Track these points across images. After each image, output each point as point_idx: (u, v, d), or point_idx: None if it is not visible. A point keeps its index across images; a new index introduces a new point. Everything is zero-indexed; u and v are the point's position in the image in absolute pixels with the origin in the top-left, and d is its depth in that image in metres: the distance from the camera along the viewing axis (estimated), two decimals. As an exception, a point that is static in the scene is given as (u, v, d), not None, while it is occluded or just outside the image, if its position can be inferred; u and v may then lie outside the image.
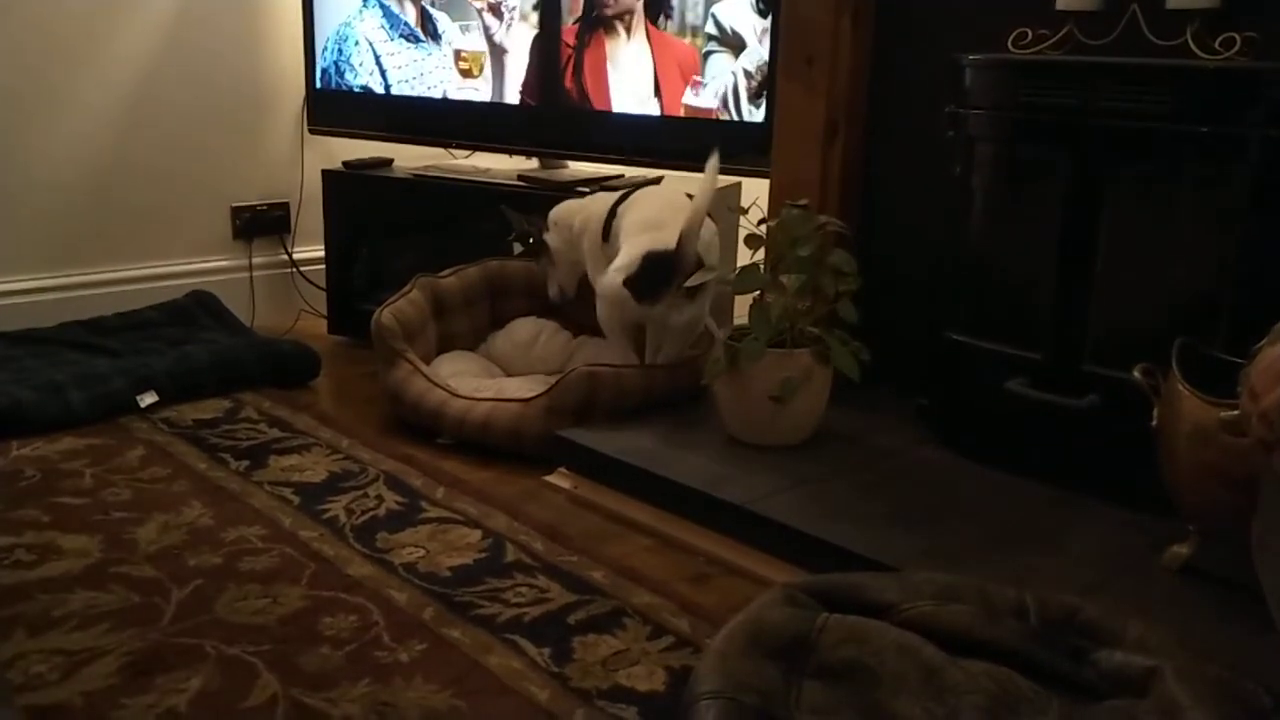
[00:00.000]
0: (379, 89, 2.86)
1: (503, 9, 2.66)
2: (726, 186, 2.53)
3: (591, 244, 2.30)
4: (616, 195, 2.35)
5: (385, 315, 2.31)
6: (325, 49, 2.90)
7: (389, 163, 2.91)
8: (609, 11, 2.54)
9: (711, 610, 1.56)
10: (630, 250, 2.13)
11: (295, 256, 3.13)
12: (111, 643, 1.44)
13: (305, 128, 3.02)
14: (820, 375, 1.95)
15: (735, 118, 2.41)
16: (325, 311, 2.96)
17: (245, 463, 2.06)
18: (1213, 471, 1.44)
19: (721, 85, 2.42)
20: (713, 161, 2.08)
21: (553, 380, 2.14)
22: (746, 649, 1.20)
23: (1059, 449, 1.82)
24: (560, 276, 2.39)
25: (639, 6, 2.51)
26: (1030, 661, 1.23)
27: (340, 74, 2.89)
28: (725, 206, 2.15)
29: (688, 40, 2.45)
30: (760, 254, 2.00)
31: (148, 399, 2.32)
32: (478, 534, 1.79)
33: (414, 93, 2.82)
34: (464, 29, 2.73)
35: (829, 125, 2.16)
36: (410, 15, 2.79)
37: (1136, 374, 1.56)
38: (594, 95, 2.59)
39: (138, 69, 2.83)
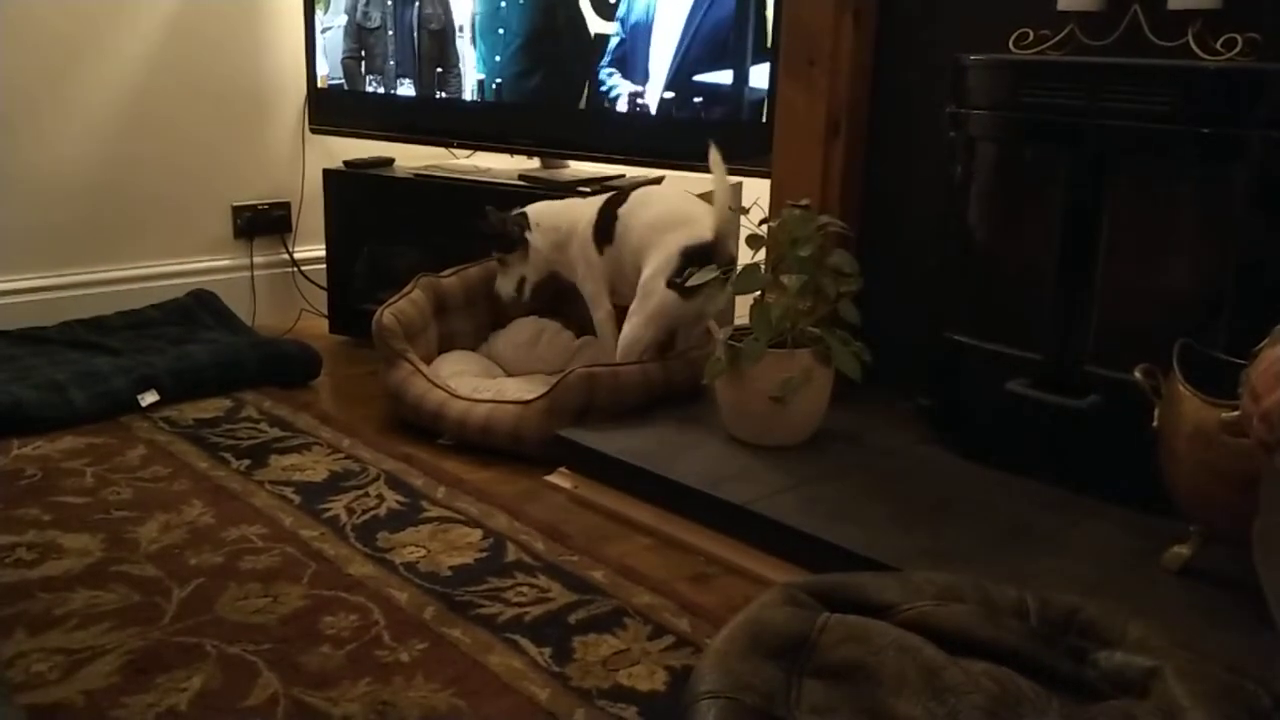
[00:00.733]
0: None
1: None
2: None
3: (583, 248, 2.30)
4: (600, 199, 2.34)
5: (386, 316, 2.31)
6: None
7: (390, 162, 2.91)
8: None
9: (712, 610, 1.56)
10: (664, 251, 2.14)
11: (296, 256, 3.13)
12: (112, 641, 1.44)
13: (306, 127, 3.02)
14: (821, 375, 1.95)
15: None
16: (326, 311, 2.96)
17: (246, 462, 2.07)
18: (1213, 472, 1.44)
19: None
20: (714, 155, 2.10)
21: (553, 381, 2.14)
22: (747, 649, 1.20)
23: (1060, 449, 1.82)
24: (530, 275, 2.38)
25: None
26: (1031, 662, 1.22)
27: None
28: (727, 207, 2.15)
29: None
30: (761, 254, 2.00)
31: (149, 398, 2.32)
32: (478, 533, 1.79)
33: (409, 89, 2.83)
34: None
35: (830, 125, 2.16)
36: None
37: (1137, 375, 1.56)
38: None
39: (139, 69, 2.83)
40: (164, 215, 2.93)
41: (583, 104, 2.60)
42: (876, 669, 1.19)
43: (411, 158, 2.92)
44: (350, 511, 1.87)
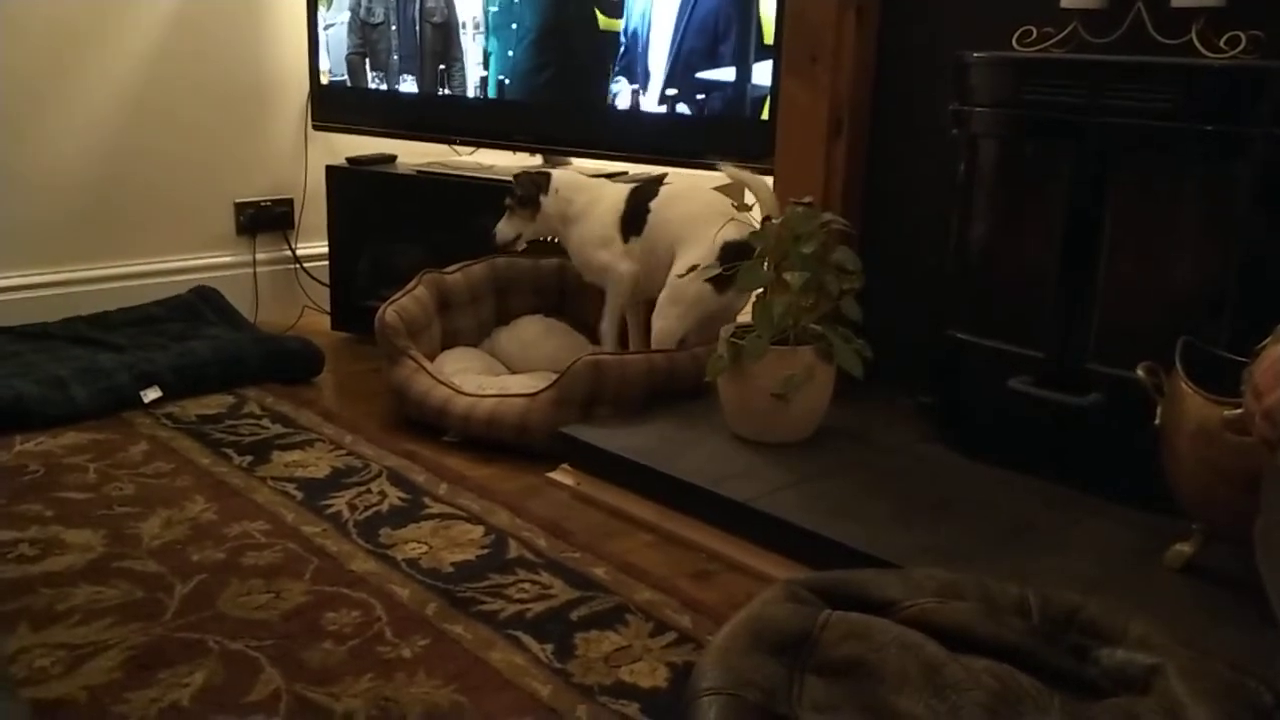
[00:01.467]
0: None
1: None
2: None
3: (602, 231, 2.33)
4: (625, 188, 2.36)
5: (389, 313, 2.31)
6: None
7: (393, 159, 2.91)
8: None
9: (713, 607, 1.56)
10: (703, 244, 2.16)
11: (299, 252, 3.13)
12: (115, 637, 1.44)
13: (309, 124, 3.02)
14: (823, 373, 1.95)
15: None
16: (328, 307, 2.96)
17: (248, 458, 2.07)
18: (1216, 470, 1.44)
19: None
20: (729, 168, 2.14)
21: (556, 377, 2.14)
22: (749, 645, 1.20)
23: (1062, 447, 1.82)
24: (527, 232, 2.43)
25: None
26: (1032, 659, 1.22)
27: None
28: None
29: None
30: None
31: (151, 394, 2.33)
32: (480, 530, 1.79)
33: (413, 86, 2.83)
34: None
35: (833, 123, 2.16)
36: None
37: (1140, 372, 1.56)
38: None
39: (142, 65, 2.83)
40: (167, 211, 2.93)
41: (586, 101, 2.60)
42: (878, 666, 1.19)
43: (414, 154, 2.92)
44: (352, 508, 1.87)
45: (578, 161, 2.76)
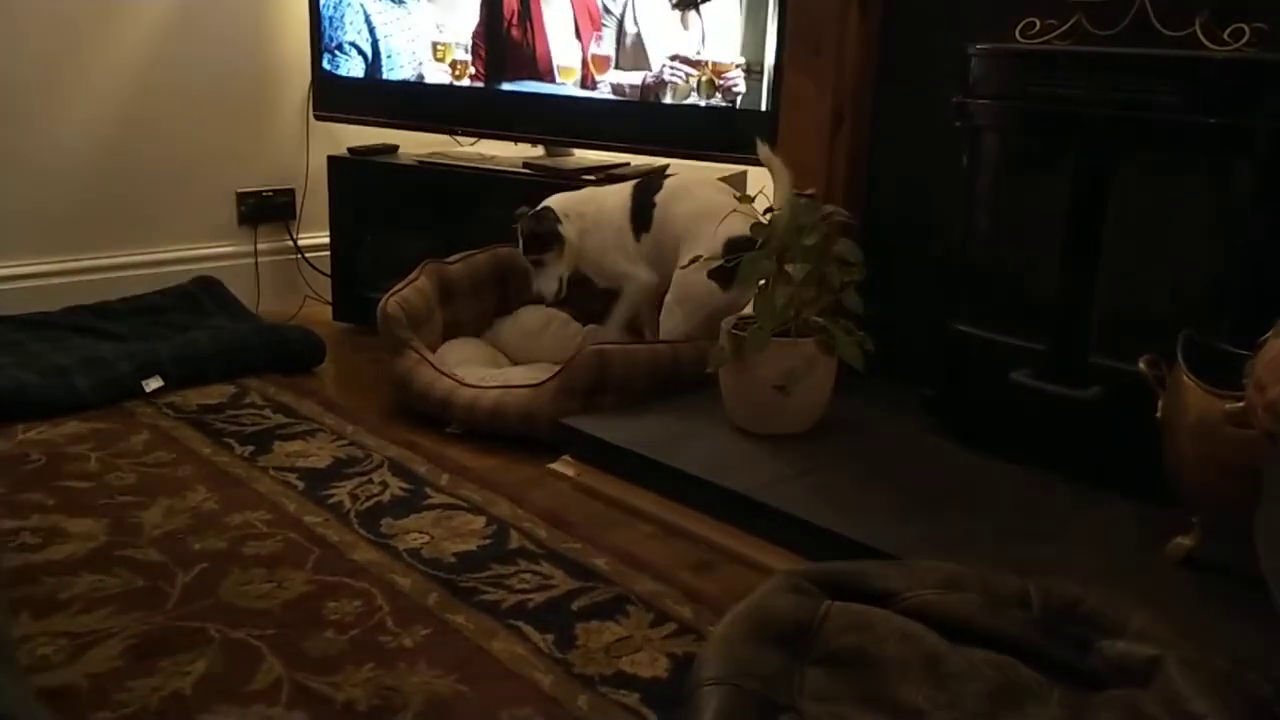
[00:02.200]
0: (365, 46, 2.86)
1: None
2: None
3: (618, 233, 2.32)
4: (626, 186, 2.35)
5: (391, 304, 2.31)
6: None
7: (394, 149, 2.91)
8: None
9: (714, 598, 1.56)
10: (707, 241, 2.15)
11: (300, 243, 3.13)
12: (116, 625, 1.44)
13: (311, 114, 3.02)
14: (825, 365, 1.95)
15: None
16: (330, 298, 2.96)
17: (250, 448, 2.07)
18: (1217, 463, 1.44)
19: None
20: (764, 149, 2.14)
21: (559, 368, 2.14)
22: (750, 636, 1.20)
23: (1063, 440, 1.82)
24: (564, 270, 2.34)
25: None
26: (1033, 650, 1.23)
27: (333, 28, 2.89)
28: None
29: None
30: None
31: (153, 384, 2.33)
32: (482, 520, 1.80)
33: (401, 58, 2.82)
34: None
35: (835, 115, 2.16)
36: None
37: (1141, 365, 1.56)
38: (538, 42, 2.65)
39: (144, 55, 2.83)
40: (168, 201, 2.93)
41: (587, 92, 2.60)
42: (879, 657, 1.20)
43: (416, 145, 2.92)
44: (354, 498, 1.87)
45: (579, 153, 2.76)
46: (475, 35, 2.72)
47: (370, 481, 1.94)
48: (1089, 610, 1.29)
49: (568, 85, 2.63)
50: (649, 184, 2.34)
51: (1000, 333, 1.91)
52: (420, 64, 2.82)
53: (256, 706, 1.29)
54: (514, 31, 2.67)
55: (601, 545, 1.72)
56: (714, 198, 2.24)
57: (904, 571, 1.36)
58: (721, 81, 2.41)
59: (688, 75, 2.45)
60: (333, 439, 2.13)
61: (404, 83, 2.85)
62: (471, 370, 2.29)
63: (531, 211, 2.33)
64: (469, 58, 2.75)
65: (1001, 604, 1.30)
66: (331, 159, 2.87)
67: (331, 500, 1.86)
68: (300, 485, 1.91)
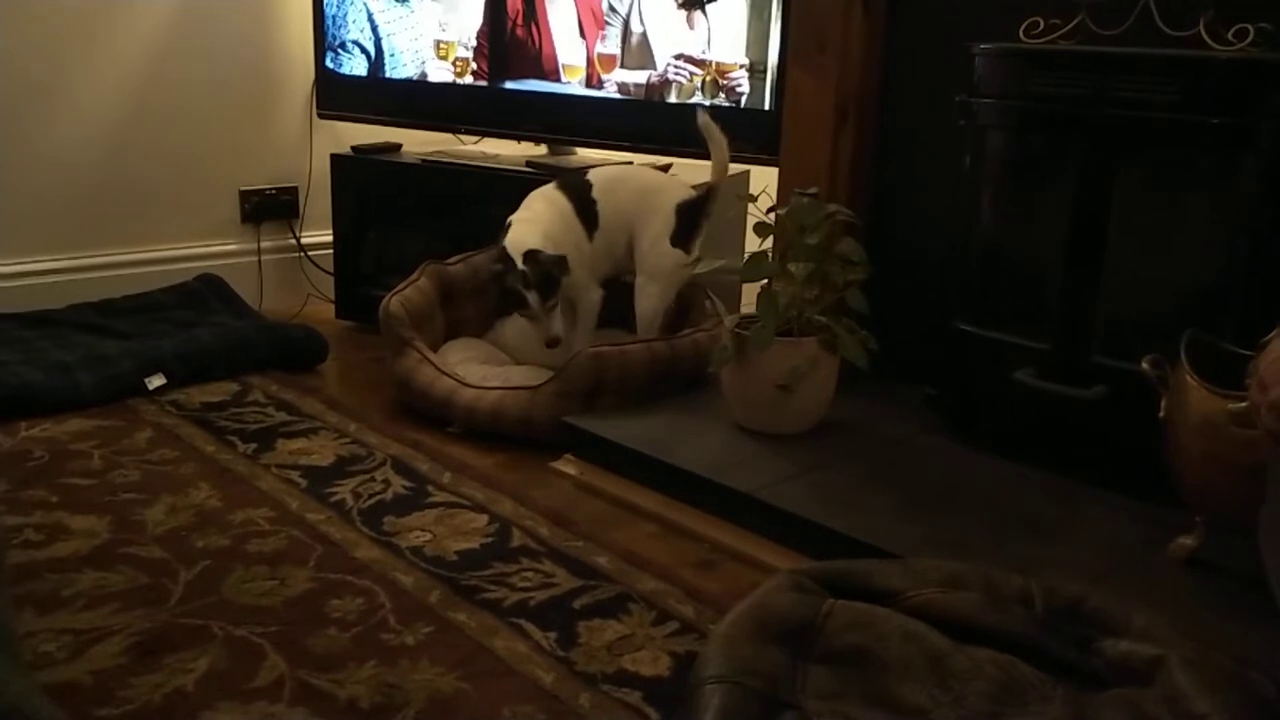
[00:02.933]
0: (369, 44, 2.87)
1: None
2: (734, 174, 2.53)
3: (577, 243, 2.30)
4: (558, 193, 2.31)
5: (393, 303, 2.31)
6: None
7: (398, 148, 2.91)
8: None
9: (717, 596, 1.56)
10: (659, 213, 2.25)
11: (303, 241, 3.13)
12: (119, 623, 1.44)
13: (314, 111, 3.02)
14: (827, 364, 1.95)
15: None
16: (333, 296, 2.96)
17: (253, 445, 2.07)
18: (1220, 463, 1.44)
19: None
20: (704, 117, 2.23)
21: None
22: (752, 634, 1.20)
23: (1066, 439, 1.82)
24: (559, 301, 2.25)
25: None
26: (1035, 649, 1.23)
27: (336, 26, 2.90)
28: (734, 194, 2.15)
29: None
30: (769, 242, 2.00)
31: (156, 381, 2.33)
32: (484, 519, 1.80)
33: (404, 57, 2.82)
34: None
35: (839, 113, 2.16)
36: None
37: (1145, 365, 1.56)
38: (543, 42, 2.66)
39: (147, 52, 2.83)
40: (172, 199, 2.93)
41: (590, 90, 2.60)
42: (881, 655, 1.20)
43: (419, 143, 2.92)
44: (356, 496, 1.87)
45: (583, 152, 2.76)
46: (479, 34, 2.72)
47: (372, 479, 1.94)
48: (1092, 609, 1.29)
49: (573, 84, 2.63)
50: (576, 184, 2.32)
51: (1003, 332, 1.90)
52: (423, 62, 2.83)
53: (259, 704, 1.29)
54: (518, 30, 2.67)
55: (604, 544, 1.72)
56: (649, 176, 2.34)
57: (906, 570, 1.36)
58: (725, 81, 2.41)
59: (692, 75, 2.45)
60: (335, 437, 2.13)
61: (407, 81, 2.86)
62: (472, 370, 2.29)
63: (527, 254, 2.16)
64: (471, 56, 2.75)
65: (1004, 603, 1.30)
66: (334, 157, 2.87)
67: (334, 498, 1.86)
68: (303, 483, 1.91)
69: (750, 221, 2.04)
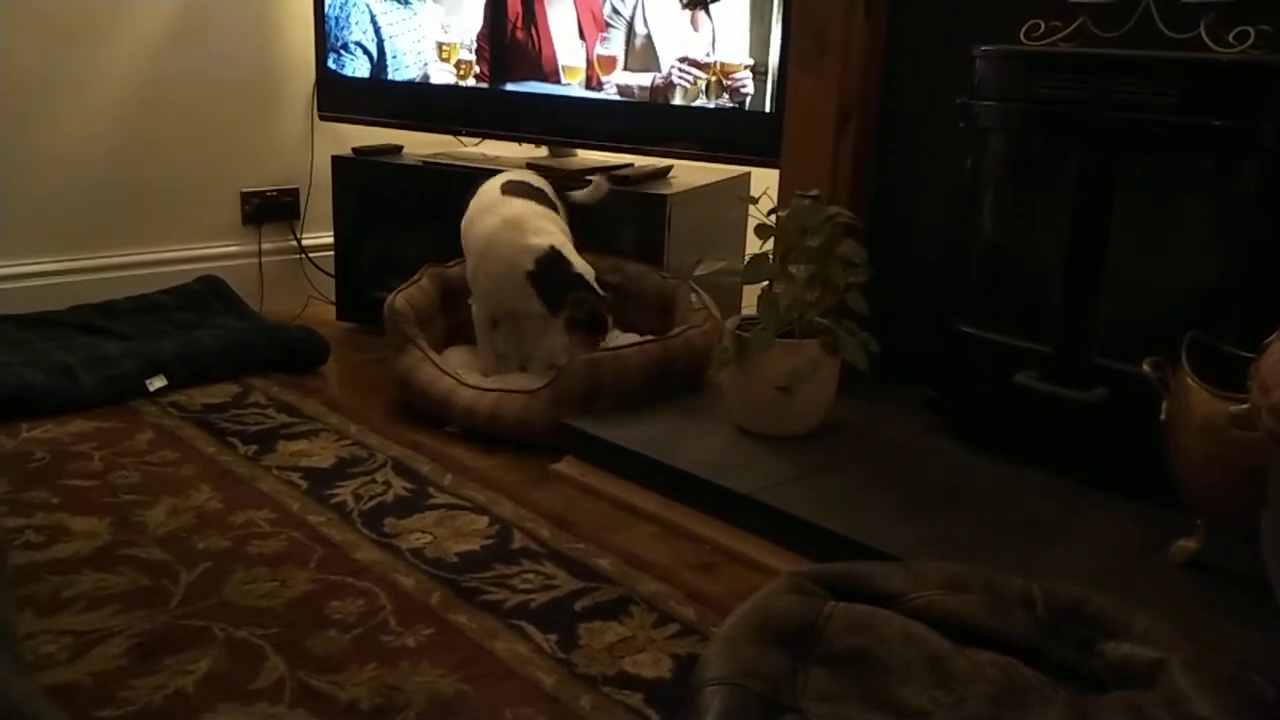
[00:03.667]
0: (371, 46, 2.87)
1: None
2: (735, 176, 2.53)
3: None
4: (508, 185, 2.36)
5: (399, 300, 2.31)
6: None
7: (399, 149, 2.91)
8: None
9: (718, 599, 1.56)
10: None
11: (304, 242, 3.13)
12: (120, 624, 1.44)
13: (315, 113, 3.02)
14: (828, 366, 1.95)
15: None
16: (334, 298, 2.96)
17: (254, 447, 2.07)
18: (1221, 465, 1.44)
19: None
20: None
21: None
22: (753, 636, 1.20)
23: (1067, 441, 1.82)
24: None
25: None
26: (1037, 652, 1.23)
27: (339, 28, 2.90)
28: (736, 196, 2.15)
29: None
30: (770, 244, 2.00)
31: (157, 383, 2.33)
32: (485, 520, 1.80)
33: (406, 59, 2.83)
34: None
35: (840, 115, 2.16)
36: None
37: (1146, 367, 1.56)
38: (543, 44, 2.66)
39: (148, 53, 2.83)
40: (173, 201, 2.93)
41: (590, 91, 2.60)
42: (882, 657, 1.20)
43: (420, 145, 2.92)
44: (357, 497, 1.87)
45: (582, 154, 2.77)
46: (479, 36, 2.73)
47: (373, 481, 1.94)
48: (1093, 612, 1.28)
49: (573, 86, 2.63)
50: (528, 188, 2.35)
51: (1004, 334, 1.90)
52: (425, 64, 2.83)
53: (259, 705, 1.29)
54: (518, 33, 2.67)
55: (605, 545, 1.72)
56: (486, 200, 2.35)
57: (907, 572, 1.36)
58: (729, 83, 2.41)
59: (695, 78, 2.46)
60: (336, 438, 2.13)
61: (409, 83, 2.86)
62: (473, 375, 2.29)
63: (583, 284, 2.16)
64: (474, 58, 2.75)
65: (1005, 605, 1.29)
66: (336, 159, 2.87)
67: (335, 500, 1.86)
68: (304, 485, 1.91)
69: (751, 223, 2.04)
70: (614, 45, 2.55)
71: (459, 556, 1.67)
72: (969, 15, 2.02)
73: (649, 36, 2.51)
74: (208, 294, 2.86)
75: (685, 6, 2.44)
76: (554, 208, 2.35)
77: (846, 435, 2.00)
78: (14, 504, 1.79)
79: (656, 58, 2.51)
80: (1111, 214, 1.75)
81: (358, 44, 2.89)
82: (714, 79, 2.43)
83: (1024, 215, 1.91)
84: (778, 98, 2.32)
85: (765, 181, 2.27)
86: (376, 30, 2.86)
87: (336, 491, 1.89)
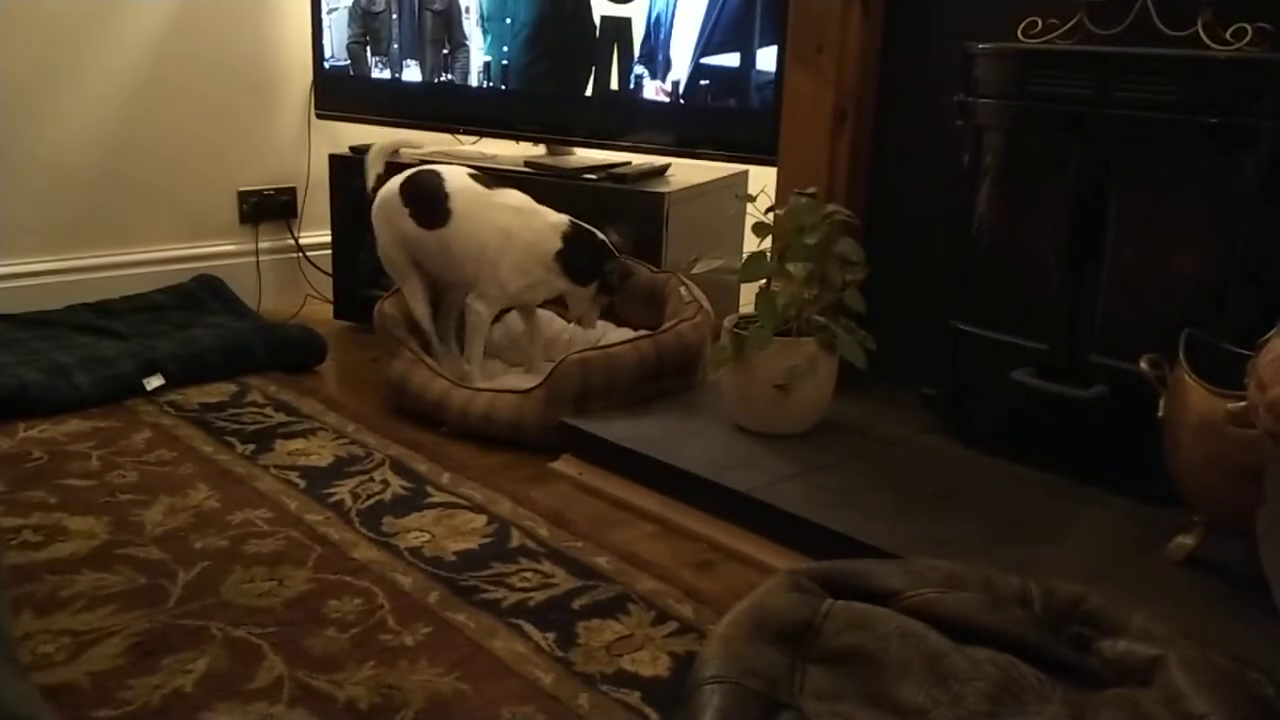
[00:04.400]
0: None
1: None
2: (733, 174, 2.53)
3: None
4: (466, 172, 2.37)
5: (388, 304, 2.31)
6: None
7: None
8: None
9: (715, 597, 1.56)
10: None
11: (301, 241, 3.13)
12: (118, 624, 1.44)
13: (312, 112, 3.02)
14: (826, 364, 1.95)
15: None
16: (331, 297, 2.96)
17: (251, 446, 2.07)
18: (1219, 462, 1.44)
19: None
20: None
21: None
22: (751, 634, 1.20)
23: (1065, 439, 1.82)
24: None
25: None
26: (1034, 649, 1.23)
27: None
28: (734, 194, 2.15)
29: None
30: (767, 242, 2.00)
31: (154, 382, 2.33)
32: (483, 519, 1.80)
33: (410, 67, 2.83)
34: None
35: (837, 113, 2.16)
36: None
37: (1143, 365, 1.56)
38: None
39: (145, 53, 2.83)
40: (170, 200, 2.93)
41: (588, 91, 2.60)
42: (880, 655, 1.20)
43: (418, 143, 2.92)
44: (355, 496, 1.87)
45: (581, 152, 2.76)
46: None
47: (371, 480, 1.94)
48: (1090, 609, 1.28)
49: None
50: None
51: (1002, 332, 1.90)
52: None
53: (258, 704, 1.29)
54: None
55: (603, 544, 1.72)
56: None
57: (905, 570, 1.36)
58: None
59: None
60: (334, 437, 2.13)
61: (406, 81, 2.85)
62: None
63: (608, 250, 2.24)
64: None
65: (1003, 603, 1.29)
66: (333, 157, 2.87)
67: (333, 499, 1.86)
68: (301, 484, 1.91)
69: (749, 221, 2.04)
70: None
71: (457, 555, 1.67)
72: (966, 13, 2.02)
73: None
74: (205, 293, 2.86)
75: None
76: None
77: (844, 433, 2.01)
78: (11, 504, 1.79)
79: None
80: (1109, 211, 1.75)
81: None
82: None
83: (1021, 213, 1.91)
84: (775, 96, 2.31)
85: (763, 179, 2.26)
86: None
87: (334, 490, 1.89)
